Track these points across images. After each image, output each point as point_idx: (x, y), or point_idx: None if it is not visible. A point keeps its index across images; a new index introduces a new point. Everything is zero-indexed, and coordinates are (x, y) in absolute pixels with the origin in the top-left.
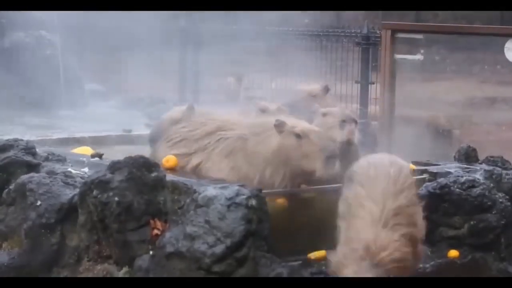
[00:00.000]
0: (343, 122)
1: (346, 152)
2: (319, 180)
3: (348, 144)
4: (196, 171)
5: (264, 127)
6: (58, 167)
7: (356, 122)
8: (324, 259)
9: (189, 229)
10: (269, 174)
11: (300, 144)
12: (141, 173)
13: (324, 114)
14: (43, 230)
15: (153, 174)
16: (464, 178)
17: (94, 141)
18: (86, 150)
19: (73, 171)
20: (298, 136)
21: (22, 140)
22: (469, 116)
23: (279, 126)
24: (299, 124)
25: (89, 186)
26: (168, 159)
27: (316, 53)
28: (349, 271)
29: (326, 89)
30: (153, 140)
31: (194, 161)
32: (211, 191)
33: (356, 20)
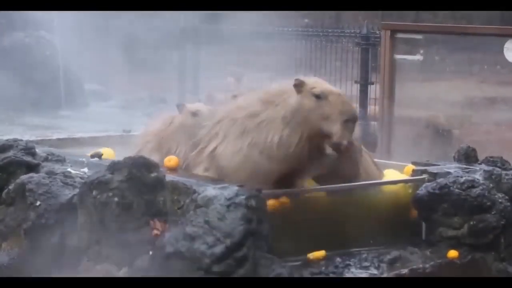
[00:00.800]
0: (348, 120)
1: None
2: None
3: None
4: (212, 158)
5: (279, 93)
6: (58, 167)
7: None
8: (323, 259)
9: (189, 229)
10: (286, 134)
11: (320, 105)
12: (141, 173)
13: (318, 97)
14: (42, 230)
15: (153, 175)
16: (464, 178)
17: (93, 141)
18: (109, 152)
19: (72, 171)
20: (318, 96)
21: (21, 140)
22: (469, 116)
23: (299, 86)
24: (320, 84)
25: (88, 186)
26: (170, 159)
27: (315, 53)
28: None
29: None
30: None
31: (208, 148)
32: (210, 191)
33: (355, 20)
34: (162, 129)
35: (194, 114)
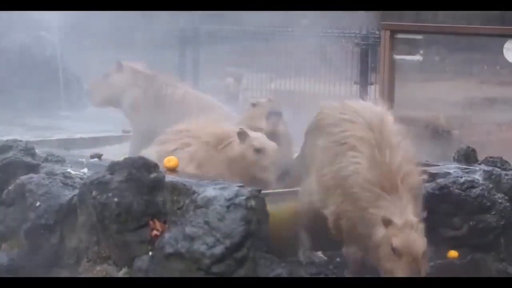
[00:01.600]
0: (269, 114)
1: (274, 141)
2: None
3: (273, 134)
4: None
5: (227, 135)
6: (58, 168)
7: (280, 114)
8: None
9: (189, 229)
10: (227, 176)
11: (258, 158)
12: (141, 174)
13: (253, 105)
14: (42, 231)
15: (152, 175)
16: (464, 178)
17: (93, 142)
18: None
19: (72, 172)
20: (257, 150)
21: (21, 141)
22: (469, 117)
23: (242, 135)
24: (259, 138)
25: (88, 187)
26: (169, 159)
27: (315, 53)
28: None
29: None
30: None
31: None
32: (210, 192)
33: (355, 20)
34: (211, 146)
35: (259, 151)
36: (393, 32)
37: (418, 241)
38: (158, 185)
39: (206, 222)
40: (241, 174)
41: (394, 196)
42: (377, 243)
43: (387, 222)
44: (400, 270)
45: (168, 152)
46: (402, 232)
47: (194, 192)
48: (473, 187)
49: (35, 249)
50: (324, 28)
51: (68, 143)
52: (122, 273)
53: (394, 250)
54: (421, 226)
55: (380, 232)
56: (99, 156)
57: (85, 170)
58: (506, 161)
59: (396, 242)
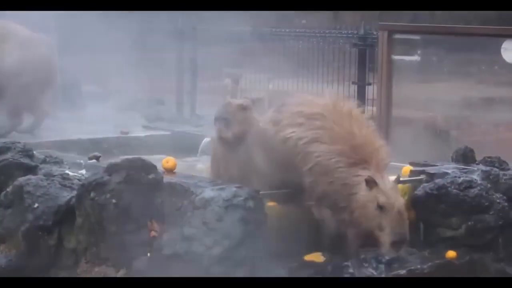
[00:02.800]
0: (215, 119)
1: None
2: None
3: (220, 141)
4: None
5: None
6: (56, 169)
7: (226, 119)
8: (319, 261)
9: (187, 231)
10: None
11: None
12: (139, 175)
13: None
14: (40, 232)
15: (151, 176)
16: (462, 178)
17: (91, 143)
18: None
19: (70, 173)
20: (381, 207)
21: (19, 142)
22: (467, 117)
23: (370, 183)
24: (388, 192)
25: (86, 188)
26: (168, 160)
27: (313, 54)
28: None
29: (254, 102)
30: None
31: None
32: (208, 192)
33: (353, 21)
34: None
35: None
36: (391, 32)
37: (399, 197)
38: (156, 186)
39: (205, 223)
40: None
41: (370, 163)
42: (361, 204)
43: (371, 184)
44: (387, 225)
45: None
46: (385, 191)
47: (192, 193)
48: (471, 187)
49: (33, 250)
50: (322, 29)
51: (66, 145)
52: (120, 274)
53: (380, 207)
54: (397, 188)
55: (364, 193)
56: (97, 158)
57: (83, 171)
58: (504, 161)
59: (382, 199)
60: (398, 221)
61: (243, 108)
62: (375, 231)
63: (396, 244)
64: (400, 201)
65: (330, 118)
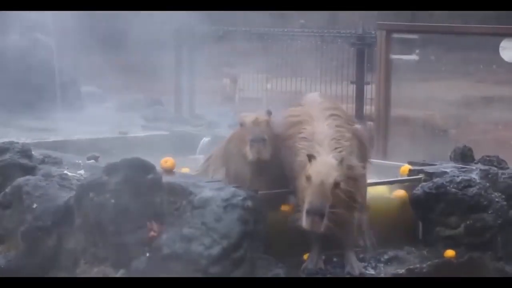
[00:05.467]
0: (252, 141)
1: (261, 168)
2: None
3: (259, 162)
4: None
5: None
6: (54, 170)
7: (263, 141)
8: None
9: (186, 230)
10: None
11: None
12: (138, 175)
13: (241, 125)
14: (39, 233)
15: (149, 176)
16: (460, 177)
17: (90, 144)
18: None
19: (69, 173)
20: (308, 178)
21: (17, 142)
22: (465, 116)
23: (310, 157)
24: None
25: (85, 188)
26: (166, 160)
27: (311, 53)
28: None
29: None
30: None
31: None
32: (207, 192)
33: (351, 20)
34: None
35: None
36: (389, 31)
37: (331, 171)
38: (155, 186)
39: (203, 223)
40: None
41: (321, 143)
42: (299, 175)
43: (310, 157)
44: (308, 194)
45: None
46: (318, 164)
47: (191, 193)
48: (470, 186)
49: (32, 251)
50: (320, 28)
51: (64, 145)
52: (119, 274)
53: (307, 177)
54: (335, 165)
55: (305, 167)
56: (96, 158)
57: (82, 171)
58: (502, 160)
59: (309, 170)
60: (317, 192)
61: (270, 123)
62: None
63: (309, 214)
64: (330, 177)
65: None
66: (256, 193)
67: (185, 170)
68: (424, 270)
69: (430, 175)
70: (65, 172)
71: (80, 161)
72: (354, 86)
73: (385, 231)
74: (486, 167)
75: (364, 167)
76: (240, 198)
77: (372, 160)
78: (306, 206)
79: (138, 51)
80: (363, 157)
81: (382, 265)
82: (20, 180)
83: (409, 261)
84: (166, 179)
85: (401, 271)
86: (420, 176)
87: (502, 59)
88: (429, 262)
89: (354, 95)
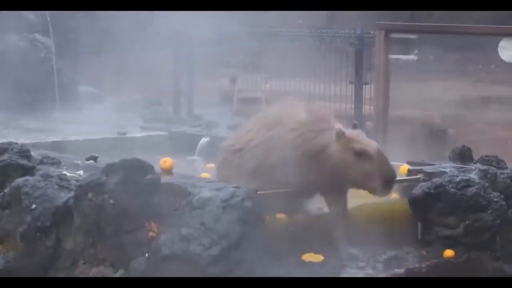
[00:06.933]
0: (390, 181)
1: None
2: None
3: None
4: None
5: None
6: (53, 170)
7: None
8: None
9: (185, 231)
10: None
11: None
12: (136, 175)
13: (360, 154)
14: (38, 233)
15: (148, 177)
16: (459, 177)
17: (88, 144)
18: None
19: (68, 174)
20: (359, 154)
21: (16, 143)
22: (464, 116)
23: (339, 135)
24: (357, 137)
25: (84, 189)
26: (165, 160)
27: (310, 54)
28: None
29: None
30: None
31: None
32: (206, 193)
33: (349, 20)
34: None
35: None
36: (388, 32)
37: (372, 141)
38: (154, 186)
39: (202, 223)
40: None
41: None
42: (336, 159)
43: (340, 135)
44: (372, 167)
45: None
46: (354, 137)
47: (190, 194)
48: (468, 186)
49: (31, 251)
50: (319, 28)
51: (63, 145)
52: (118, 275)
53: (358, 154)
54: (363, 134)
55: (334, 147)
56: (94, 158)
57: (81, 172)
58: (501, 160)
59: (357, 146)
60: (381, 161)
61: None
62: (362, 181)
63: (388, 183)
64: (373, 143)
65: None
66: (255, 193)
67: (205, 175)
68: (423, 270)
69: (429, 175)
70: (64, 172)
71: (79, 162)
72: (353, 86)
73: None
74: (485, 167)
75: None
76: (239, 198)
77: None
78: (378, 178)
79: (137, 52)
80: None
81: (381, 265)
82: (19, 180)
83: (408, 261)
84: (164, 179)
85: (400, 271)
86: (419, 176)
87: (501, 59)
88: (428, 262)
89: (353, 95)
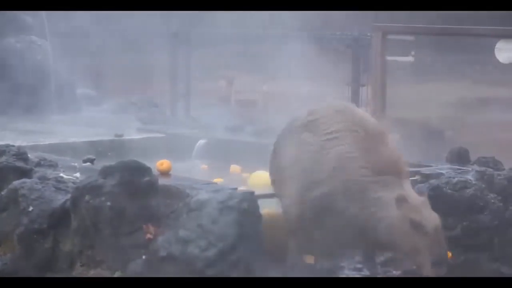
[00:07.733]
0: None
1: None
2: None
3: None
4: None
5: None
6: (50, 173)
7: None
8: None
9: (182, 233)
10: None
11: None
12: (134, 177)
13: None
14: (35, 236)
15: (146, 179)
16: (456, 179)
17: (86, 146)
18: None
19: (65, 176)
20: (417, 226)
21: (13, 145)
22: (461, 117)
23: (400, 200)
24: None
25: (81, 191)
26: (162, 162)
27: (306, 55)
28: None
29: None
30: None
31: None
32: (203, 195)
33: (346, 22)
34: None
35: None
36: (385, 33)
37: (434, 214)
38: (151, 188)
39: (199, 225)
40: None
41: (395, 178)
42: (390, 224)
43: (401, 200)
44: (424, 244)
45: None
46: (418, 208)
47: (187, 195)
48: (466, 187)
49: (28, 253)
50: (316, 30)
51: (60, 148)
52: (116, 276)
53: (416, 225)
54: (427, 203)
55: (393, 212)
56: (91, 160)
57: (78, 174)
58: (498, 161)
59: (417, 216)
60: (436, 240)
61: None
62: (410, 253)
63: (436, 265)
64: (435, 217)
65: None
66: (253, 194)
67: (218, 180)
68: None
69: (426, 177)
70: (61, 174)
71: (76, 164)
72: (350, 88)
73: None
74: (482, 168)
75: None
76: (237, 200)
77: None
78: (428, 258)
79: (134, 53)
80: None
81: (379, 266)
82: (16, 183)
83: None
84: (162, 181)
85: (397, 272)
86: (416, 177)
87: (497, 61)
88: None
89: (350, 97)
